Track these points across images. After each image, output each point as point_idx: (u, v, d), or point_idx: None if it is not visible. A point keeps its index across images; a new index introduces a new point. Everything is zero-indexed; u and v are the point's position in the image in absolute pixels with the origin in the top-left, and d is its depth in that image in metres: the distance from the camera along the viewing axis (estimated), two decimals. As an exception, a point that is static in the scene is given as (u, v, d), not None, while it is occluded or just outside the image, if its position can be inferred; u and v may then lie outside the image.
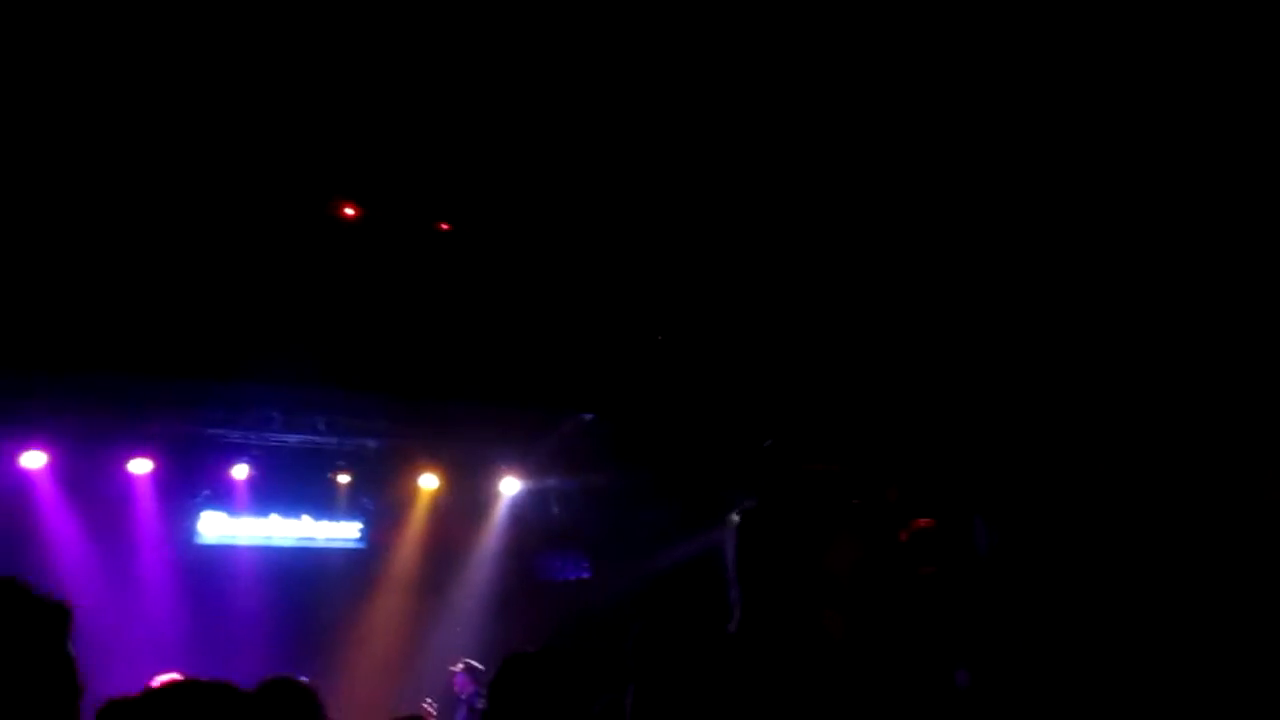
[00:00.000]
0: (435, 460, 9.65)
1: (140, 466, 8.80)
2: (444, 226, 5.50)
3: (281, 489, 9.50)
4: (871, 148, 4.92)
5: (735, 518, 1.92)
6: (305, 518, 9.70)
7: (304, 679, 3.50)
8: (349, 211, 5.34)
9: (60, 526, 8.57)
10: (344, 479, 9.51)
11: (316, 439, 9.10)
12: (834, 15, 4.13)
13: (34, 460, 8.35)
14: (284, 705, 3.26)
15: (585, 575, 9.96)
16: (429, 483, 9.75)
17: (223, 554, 9.40)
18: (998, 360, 5.37)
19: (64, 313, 6.36)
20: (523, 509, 10.15)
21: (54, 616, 1.28)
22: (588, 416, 8.32)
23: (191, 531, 9.26)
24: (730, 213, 5.51)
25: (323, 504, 9.69)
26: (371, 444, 9.37)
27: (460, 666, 8.12)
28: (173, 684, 1.76)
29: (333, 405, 8.67)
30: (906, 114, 4.64)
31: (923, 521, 3.73)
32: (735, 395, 6.82)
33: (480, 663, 7.95)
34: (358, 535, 9.90)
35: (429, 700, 7.98)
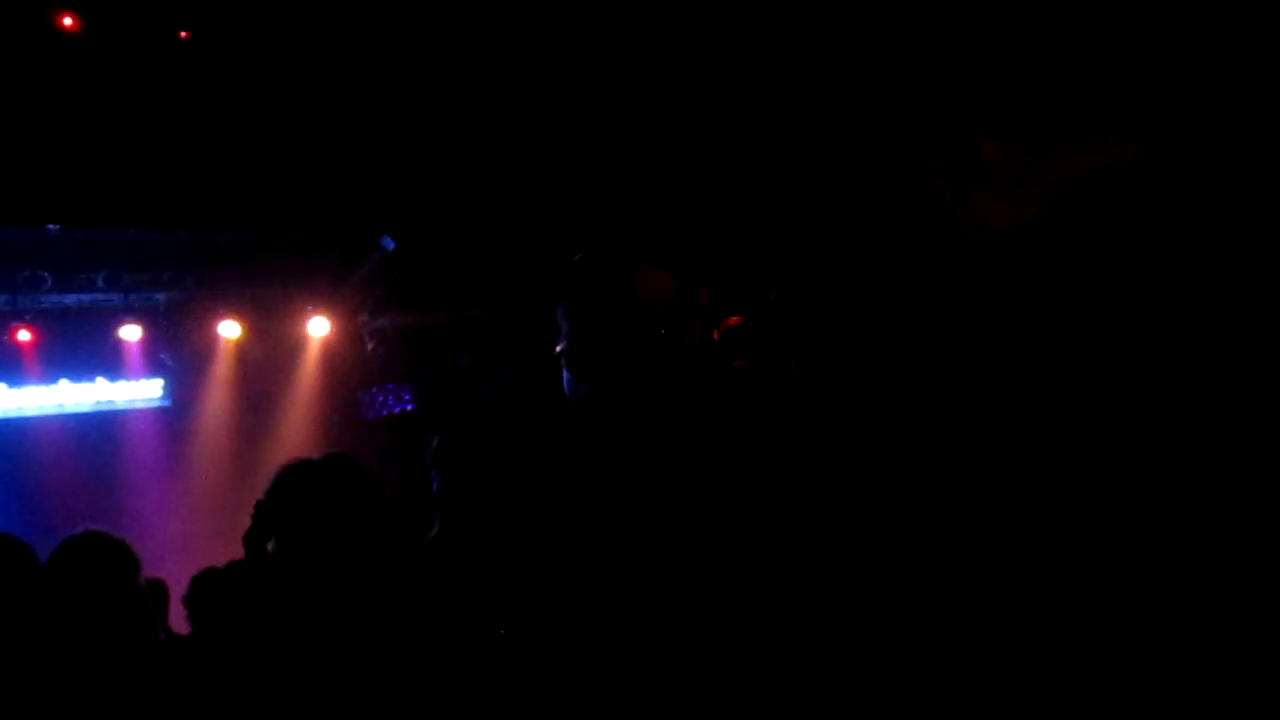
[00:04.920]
0: (234, 307, 9.16)
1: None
2: (184, 35, 4.95)
3: (67, 354, 8.86)
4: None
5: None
6: (100, 380, 9.15)
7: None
8: (68, 22, 4.72)
9: None
10: (133, 335, 8.93)
11: (98, 296, 8.47)
12: None
13: None
14: (93, 558, 3.08)
15: (410, 408, 9.86)
16: (231, 331, 9.28)
17: (16, 428, 8.77)
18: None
19: None
20: (337, 349, 9.86)
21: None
22: (390, 246, 8.01)
23: (-28, 408, 8.60)
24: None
25: (116, 365, 9.12)
26: (160, 296, 8.79)
27: None
28: None
29: (109, 258, 8.02)
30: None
31: (734, 320, 3.82)
32: (538, 213, 6.67)
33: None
34: (160, 393, 9.43)
35: None
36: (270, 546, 2.26)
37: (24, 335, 8.49)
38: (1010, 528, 1.04)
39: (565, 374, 1.80)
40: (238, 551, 3.96)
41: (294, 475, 2.10)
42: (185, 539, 8.59)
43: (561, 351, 1.80)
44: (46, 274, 8.04)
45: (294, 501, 2.04)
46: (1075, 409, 1.00)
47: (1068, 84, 1.12)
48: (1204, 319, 0.98)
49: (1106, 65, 1.14)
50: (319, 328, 9.61)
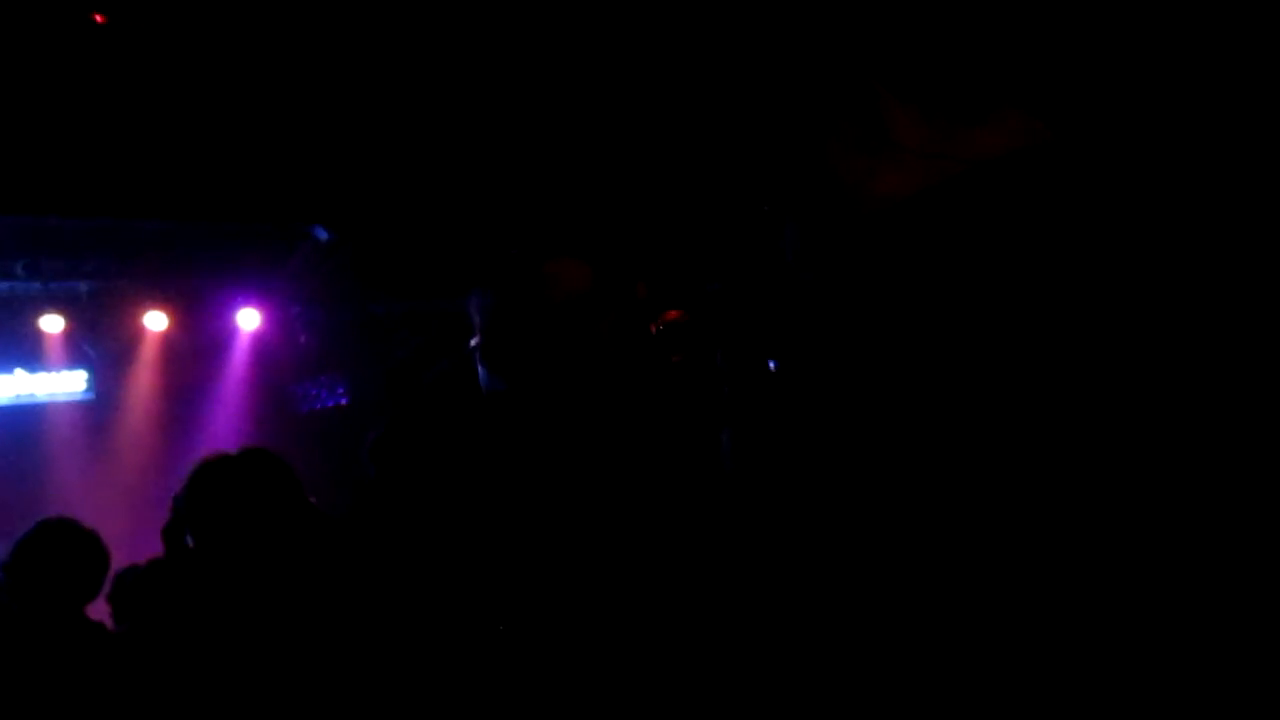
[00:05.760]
0: (160, 298, 8.91)
1: None
2: (99, 18, 4.79)
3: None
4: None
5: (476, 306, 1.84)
6: (19, 372, 8.86)
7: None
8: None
9: None
10: (55, 327, 8.65)
11: (15, 286, 8.18)
12: None
13: None
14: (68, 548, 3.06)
15: (343, 401, 9.71)
16: (157, 322, 9.03)
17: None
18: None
19: None
20: (268, 342, 9.66)
21: None
22: (323, 237, 7.86)
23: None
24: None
25: (36, 357, 8.83)
26: (82, 286, 8.52)
27: None
28: None
29: (27, 245, 7.75)
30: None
31: (672, 313, 3.81)
32: (474, 206, 6.60)
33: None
34: (84, 385, 9.16)
35: None
36: (189, 541, 2.21)
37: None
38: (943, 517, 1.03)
39: (480, 369, 1.78)
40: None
41: (208, 470, 2.05)
42: (112, 535, 8.31)
43: (476, 347, 1.78)
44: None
45: (207, 496, 2.00)
46: (990, 392, 1.00)
47: (980, 59, 1.11)
48: (1111, 306, 0.98)
49: (1019, 42, 1.13)
50: (249, 320, 9.40)
